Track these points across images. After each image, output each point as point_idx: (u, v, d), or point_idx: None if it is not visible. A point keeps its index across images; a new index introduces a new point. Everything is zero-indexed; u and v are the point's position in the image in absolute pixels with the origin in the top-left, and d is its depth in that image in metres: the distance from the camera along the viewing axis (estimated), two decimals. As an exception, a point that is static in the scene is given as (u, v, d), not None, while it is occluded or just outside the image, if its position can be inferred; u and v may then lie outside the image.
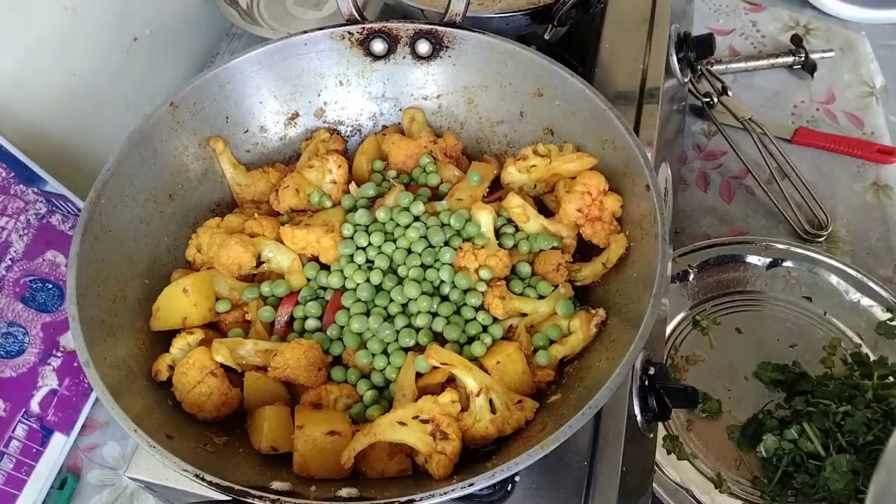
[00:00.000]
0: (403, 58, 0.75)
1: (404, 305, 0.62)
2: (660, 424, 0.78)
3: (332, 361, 0.63)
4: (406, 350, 0.61)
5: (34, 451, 0.76)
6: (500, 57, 0.71)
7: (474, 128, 0.76)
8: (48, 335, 0.78)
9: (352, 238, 0.65)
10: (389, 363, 0.61)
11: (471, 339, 0.62)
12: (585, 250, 0.67)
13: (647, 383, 0.64)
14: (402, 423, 0.53)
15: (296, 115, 0.76)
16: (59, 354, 0.79)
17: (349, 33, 0.73)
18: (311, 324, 0.64)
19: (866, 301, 0.91)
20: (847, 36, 1.23)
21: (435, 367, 0.58)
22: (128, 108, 0.96)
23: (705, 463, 0.80)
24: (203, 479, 0.49)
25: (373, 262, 0.65)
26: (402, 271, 0.64)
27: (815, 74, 1.16)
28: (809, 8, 1.31)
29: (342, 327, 0.63)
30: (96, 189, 0.61)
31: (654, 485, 0.76)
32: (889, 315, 0.89)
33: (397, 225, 0.65)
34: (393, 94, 0.77)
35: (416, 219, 0.65)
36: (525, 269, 0.65)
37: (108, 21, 0.90)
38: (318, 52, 0.73)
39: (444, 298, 0.63)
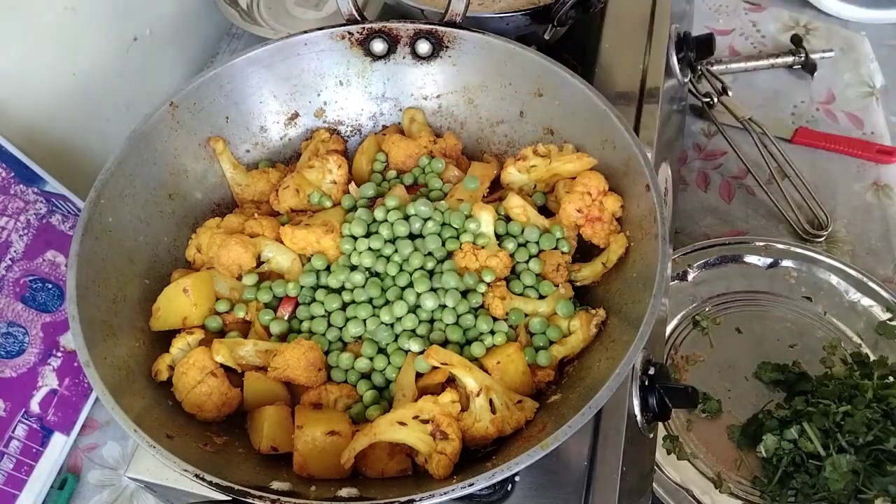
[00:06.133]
0: (403, 58, 0.75)
1: (404, 306, 0.62)
2: (660, 424, 0.78)
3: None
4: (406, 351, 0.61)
5: (34, 451, 0.76)
6: (500, 57, 0.71)
7: (474, 128, 0.76)
8: (48, 335, 0.78)
9: (351, 238, 0.65)
10: (389, 363, 0.61)
11: (470, 340, 0.62)
12: (585, 250, 0.67)
13: (647, 383, 0.64)
14: (402, 423, 0.53)
15: (296, 115, 0.76)
16: (59, 354, 0.79)
17: (349, 33, 0.73)
18: (312, 324, 0.64)
19: (866, 301, 0.91)
20: (847, 36, 1.23)
21: (435, 367, 0.58)
22: (128, 108, 0.96)
23: (705, 463, 0.80)
24: (203, 479, 0.49)
25: (371, 263, 0.64)
26: (402, 276, 0.64)
27: (815, 74, 1.16)
28: (809, 8, 1.31)
29: (341, 329, 0.63)
30: (96, 189, 0.61)
31: (654, 485, 0.76)
32: (889, 315, 0.89)
33: (396, 225, 0.65)
34: (393, 94, 0.77)
35: (417, 219, 0.65)
36: (526, 269, 0.65)
37: (108, 21, 0.90)
38: (318, 52, 0.73)
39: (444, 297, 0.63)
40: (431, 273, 0.64)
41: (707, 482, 0.79)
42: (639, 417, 0.63)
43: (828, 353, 0.87)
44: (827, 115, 1.13)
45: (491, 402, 0.55)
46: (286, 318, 0.64)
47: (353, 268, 0.64)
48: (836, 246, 0.98)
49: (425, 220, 0.65)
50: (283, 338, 0.64)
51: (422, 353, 0.58)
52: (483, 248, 0.63)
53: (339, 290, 0.64)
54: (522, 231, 0.66)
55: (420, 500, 0.47)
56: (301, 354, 0.59)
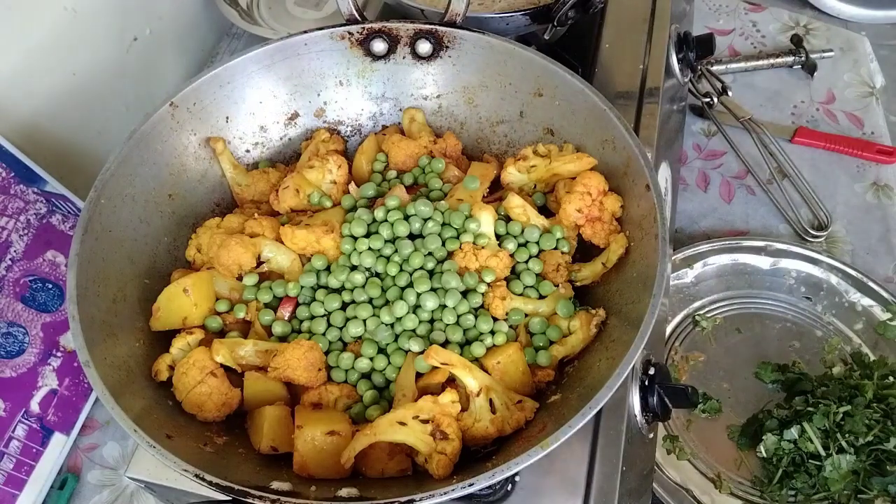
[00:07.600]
0: (403, 58, 0.75)
1: (404, 306, 0.62)
2: (660, 424, 0.77)
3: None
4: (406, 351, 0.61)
5: (34, 451, 0.76)
6: (500, 57, 0.71)
7: (474, 128, 0.76)
8: (48, 335, 0.78)
9: (351, 238, 0.65)
10: (389, 363, 0.61)
11: (470, 340, 0.62)
12: (585, 250, 0.67)
13: (647, 383, 0.64)
14: (402, 423, 0.53)
15: (296, 115, 0.76)
16: (59, 354, 0.79)
17: (349, 33, 0.73)
18: (312, 324, 0.64)
19: (866, 301, 0.91)
20: (847, 36, 1.23)
21: (435, 367, 0.58)
22: (128, 108, 0.96)
23: (705, 463, 0.80)
24: (203, 479, 0.49)
25: (371, 263, 0.64)
26: (402, 276, 0.64)
27: (815, 74, 1.16)
28: (809, 8, 1.31)
29: (341, 329, 0.63)
30: (96, 189, 0.61)
31: (654, 485, 0.76)
32: (889, 315, 0.89)
33: (396, 225, 0.65)
34: (393, 94, 0.77)
35: (417, 219, 0.65)
36: (526, 269, 0.65)
37: (108, 21, 0.90)
38: (318, 52, 0.73)
39: (444, 298, 0.63)
40: (432, 273, 0.64)
41: (707, 482, 0.79)
42: (639, 417, 0.63)
43: (828, 353, 0.87)
44: (827, 115, 1.13)
45: (491, 402, 0.55)
46: (286, 318, 0.64)
47: (354, 268, 0.64)
48: (836, 246, 0.98)
49: (425, 220, 0.65)
50: (283, 338, 0.64)
51: (422, 353, 0.58)
52: (483, 248, 0.63)
53: (340, 290, 0.64)
54: (522, 231, 0.66)
55: (420, 500, 0.47)
56: (301, 354, 0.59)
